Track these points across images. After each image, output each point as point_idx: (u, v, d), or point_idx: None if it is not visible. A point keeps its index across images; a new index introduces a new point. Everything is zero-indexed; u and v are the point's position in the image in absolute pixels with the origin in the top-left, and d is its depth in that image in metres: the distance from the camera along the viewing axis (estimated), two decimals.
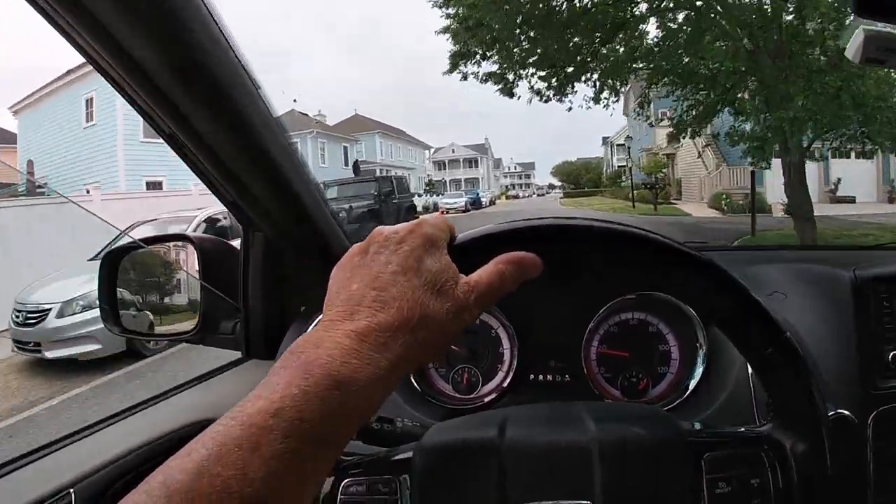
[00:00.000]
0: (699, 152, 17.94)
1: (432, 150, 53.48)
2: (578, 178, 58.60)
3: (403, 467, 0.53)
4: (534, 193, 65.22)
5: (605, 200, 28.73)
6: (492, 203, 36.41)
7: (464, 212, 25.94)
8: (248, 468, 0.25)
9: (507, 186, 73.35)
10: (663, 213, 18.08)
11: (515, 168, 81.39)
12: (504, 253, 0.39)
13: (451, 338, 0.36)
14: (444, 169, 57.11)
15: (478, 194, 34.56)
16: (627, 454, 0.50)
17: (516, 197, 58.63)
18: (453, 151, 57.97)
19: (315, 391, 0.28)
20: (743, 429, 0.53)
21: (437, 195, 35.45)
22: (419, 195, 31.85)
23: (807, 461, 0.47)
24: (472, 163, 57.52)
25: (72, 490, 0.59)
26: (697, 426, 0.61)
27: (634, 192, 22.04)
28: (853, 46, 0.85)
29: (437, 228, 0.38)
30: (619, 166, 39.81)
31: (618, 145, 41.72)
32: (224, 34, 0.58)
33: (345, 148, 31.07)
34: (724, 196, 16.66)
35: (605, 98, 10.54)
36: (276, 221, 0.79)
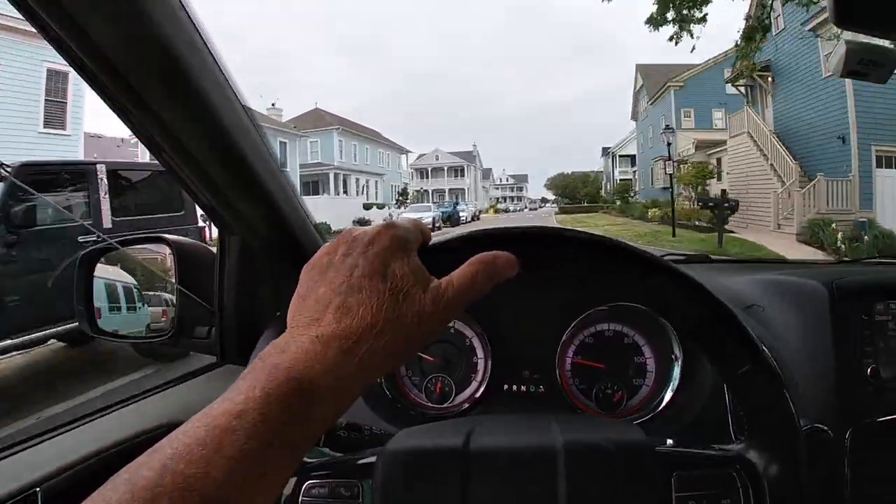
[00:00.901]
0: (765, 154, 12.73)
1: (414, 157, 49.32)
2: (575, 191, 54.61)
3: (366, 472, 0.53)
4: (525, 207, 61.57)
5: (613, 220, 22.60)
6: (475, 218, 32.83)
7: (431, 229, 22.52)
8: (210, 468, 0.25)
9: (497, 199, 69.02)
10: (736, 250, 10.17)
11: (507, 180, 77.45)
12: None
13: (419, 344, 0.35)
14: (427, 178, 51.12)
15: (454, 207, 29.45)
16: (594, 464, 0.49)
17: (506, 211, 53.41)
18: (437, 158, 51.57)
19: (277, 394, 0.28)
20: (716, 448, 0.52)
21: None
22: (378, 207, 27.15)
23: (779, 483, 0.46)
24: (457, 172, 51.50)
25: (38, 489, 0.59)
26: (670, 443, 0.60)
27: (653, 211, 17.06)
28: (835, 59, 0.85)
29: (408, 231, 0.38)
30: (621, 179, 36.36)
31: (621, 156, 38.35)
32: (203, 37, 0.59)
33: (283, 144, 23.95)
34: (830, 224, 9.71)
35: (677, 30, 6.94)
36: (253, 226, 0.79)
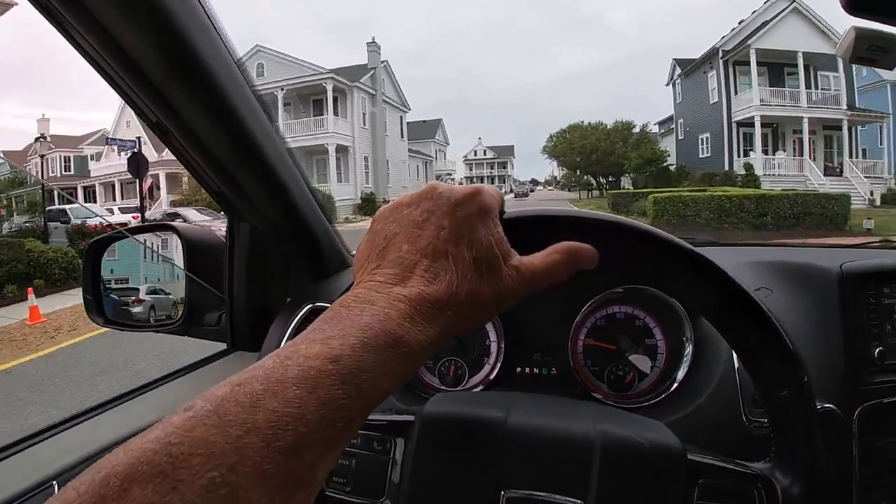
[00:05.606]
0: None
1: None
2: (606, 159, 28.65)
3: (400, 430, 0.54)
4: (511, 189, 46.56)
5: None
6: None
7: None
8: (305, 408, 0.24)
9: (447, 178, 42.01)
10: None
11: (485, 153, 56.65)
12: (554, 239, 0.37)
13: (489, 317, 0.35)
14: None
15: None
16: (628, 460, 0.50)
17: None
18: (261, 69, 21.99)
19: (373, 345, 0.28)
20: (743, 465, 0.52)
21: None
22: None
23: None
24: (316, 105, 21.77)
25: (54, 482, 0.59)
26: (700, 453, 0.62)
27: None
28: (844, 44, 0.85)
29: (493, 197, 0.37)
30: (764, 118, 17.40)
31: (761, 60, 17.34)
32: (213, 22, 0.57)
33: None
34: None
35: None
36: (262, 211, 0.78)
